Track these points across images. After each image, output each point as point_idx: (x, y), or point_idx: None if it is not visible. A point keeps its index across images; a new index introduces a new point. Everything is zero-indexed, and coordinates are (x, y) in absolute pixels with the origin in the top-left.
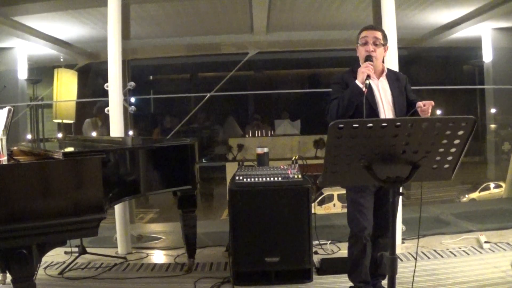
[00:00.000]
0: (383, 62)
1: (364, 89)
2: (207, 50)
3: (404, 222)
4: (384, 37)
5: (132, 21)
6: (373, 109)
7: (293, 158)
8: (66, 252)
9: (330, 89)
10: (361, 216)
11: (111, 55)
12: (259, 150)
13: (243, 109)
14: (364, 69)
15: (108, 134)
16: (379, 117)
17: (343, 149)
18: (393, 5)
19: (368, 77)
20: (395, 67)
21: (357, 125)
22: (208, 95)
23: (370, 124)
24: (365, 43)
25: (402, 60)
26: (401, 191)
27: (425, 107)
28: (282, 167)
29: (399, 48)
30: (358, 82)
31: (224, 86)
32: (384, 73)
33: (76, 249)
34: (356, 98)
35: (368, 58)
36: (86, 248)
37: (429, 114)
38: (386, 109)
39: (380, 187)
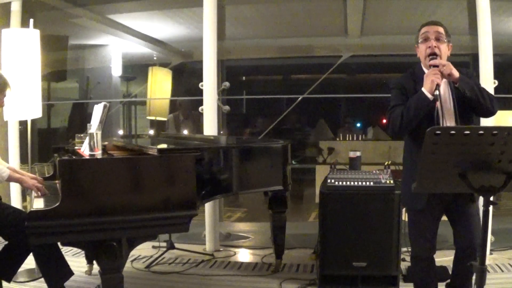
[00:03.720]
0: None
1: (431, 97)
2: (300, 52)
3: (493, 232)
4: (447, 33)
5: (226, 22)
6: (432, 116)
7: (385, 163)
8: (154, 247)
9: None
10: (420, 236)
11: (206, 55)
12: (352, 154)
13: (334, 112)
14: (433, 77)
15: (195, 129)
16: (439, 124)
17: (439, 156)
18: (488, 9)
19: (438, 86)
20: (490, 74)
21: (453, 132)
22: (301, 97)
23: (467, 132)
24: (426, 39)
25: (496, 67)
26: (493, 200)
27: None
28: (374, 171)
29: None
30: (425, 91)
31: (317, 89)
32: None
33: (164, 244)
34: (424, 109)
35: (432, 56)
36: (175, 243)
37: (450, 71)
38: (446, 116)
39: (450, 202)
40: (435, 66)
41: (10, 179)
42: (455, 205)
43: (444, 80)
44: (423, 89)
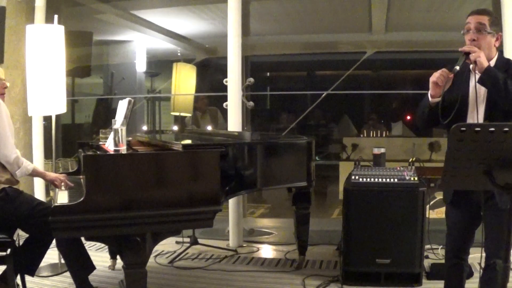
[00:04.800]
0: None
1: (431, 99)
2: (324, 48)
3: None
4: (493, 23)
5: (251, 18)
6: (462, 109)
7: (410, 160)
8: (177, 242)
9: None
10: (449, 233)
11: (231, 51)
12: (376, 151)
13: (359, 109)
14: (433, 77)
15: (213, 126)
16: (467, 119)
17: (464, 153)
18: None
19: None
20: None
21: (479, 129)
22: (325, 93)
23: (492, 128)
24: (468, 30)
25: None
26: None
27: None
28: (398, 168)
29: None
30: (429, 93)
31: (341, 85)
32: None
33: (187, 240)
34: (426, 108)
35: (466, 55)
36: (198, 239)
37: (477, 59)
38: (478, 109)
39: (487, 199)
40: (468, 53)
41: (34, 173)
42: (487, 206)
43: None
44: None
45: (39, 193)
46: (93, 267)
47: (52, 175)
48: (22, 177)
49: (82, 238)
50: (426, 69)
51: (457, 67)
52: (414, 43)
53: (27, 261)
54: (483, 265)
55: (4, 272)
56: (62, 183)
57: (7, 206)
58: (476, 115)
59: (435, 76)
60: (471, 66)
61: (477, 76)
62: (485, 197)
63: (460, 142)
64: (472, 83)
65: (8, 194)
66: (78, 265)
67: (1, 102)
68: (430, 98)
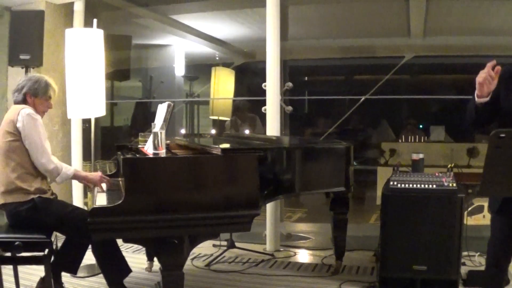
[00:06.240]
0: None
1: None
2: (362, 52)
3: None
4: None
5: (289, 22)
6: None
7: (448, 166)
8: (214, 245)
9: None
10: (493, 242)
11: (269, 55)
12: (415, 156)
13: (397, 113)
14: (478, 77)
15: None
16: None
17: (503, 159)
18: None
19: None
20: None
21: None
22: (363, 98)
23: None
24: None
25: None
26: None
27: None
28: (437, 174)
29: None
30: (476, 94)
31: (379, 89)
32: None
33: (224, 243)
34: (472, 109)
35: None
36: (235, 242)
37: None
38: None
39: None
40: None
41: (75, 176)
42: None
43: None
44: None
45: (77, 195)
46: (129, 270)
47: (94, 178)
48: (63, 182)
49: (119, 241)
50: (464, 74)
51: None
52: (452, 48)
53: (68, 260)
54: None
55: (47, 274)
56: (104, 183)
57: (36, 216)
58: None
59: (481, 77)
60: None
61: None
62: None
63: (498, 149)
64: None
65: (37, 205)
66: (113, 268)
67: (35, 113)
68: (476, 98)
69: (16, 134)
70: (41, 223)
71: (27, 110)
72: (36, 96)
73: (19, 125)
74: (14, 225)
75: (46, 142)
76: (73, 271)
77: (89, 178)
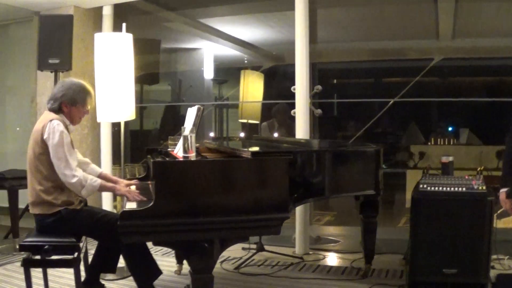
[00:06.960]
0: None
1: None
2: (391, 55)
3: None
4: None
5: (318, 25)
6: None
7: (478, 169)
8: (243, 248)
9: None
10: None
11: (298, 58)
12: (444, 159)
13: (426, 116)
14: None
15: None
16: None
17: None
18: None
19: None
20: None
21: None
22: (392, 101)
23: None
24: None
25: None
26: None
27: None
28: (466, 177)
29: None
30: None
31: (408, 92)
32: None
33: (254, 246)
34: None
35: None
36: (264, 245)
37: None
38: None
39: None
40: None
41: (102, 188)
42: None
43: None
44: None
45: (107, 199)
46: (159, 272)
47: (122, 189)
48: (90, 195)
49: (148, 243)
50: (494, 76)
51: None
52: (481, 50)
53: (105, 262)
54: None
55: (87, 277)
56: (134, 196)
57: (64, 227)
58: None
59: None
60: None
61: None
62: None
63: None
64: None
65: (63, 216)
66: (143, 271)
67: (62, 125)
68: None
69: (43, 146)
70: (71, 232)
71: (54, 122)
72: (74, 105)
73: (45, 136)
74: (43, 233)
75: (72, 154)
76: (112, 270)
77: (116, 192)
